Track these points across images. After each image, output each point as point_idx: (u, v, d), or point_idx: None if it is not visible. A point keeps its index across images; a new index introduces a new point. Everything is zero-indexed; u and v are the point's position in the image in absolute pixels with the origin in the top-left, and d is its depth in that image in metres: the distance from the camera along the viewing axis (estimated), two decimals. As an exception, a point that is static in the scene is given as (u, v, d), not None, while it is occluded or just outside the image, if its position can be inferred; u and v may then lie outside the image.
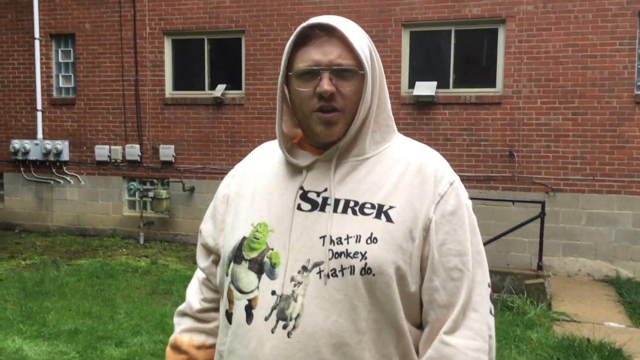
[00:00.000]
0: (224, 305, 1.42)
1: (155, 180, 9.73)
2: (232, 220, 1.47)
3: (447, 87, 8.35)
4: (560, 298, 6.74)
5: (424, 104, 8.33)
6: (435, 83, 8.28)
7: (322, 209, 1.33)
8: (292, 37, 1.34)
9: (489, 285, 1.36)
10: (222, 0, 9.14)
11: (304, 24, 1.33)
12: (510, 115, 8.04)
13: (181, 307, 1.61)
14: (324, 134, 1.33)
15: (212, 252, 1.53)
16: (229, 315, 1.38)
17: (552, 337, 5.34)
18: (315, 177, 1.37)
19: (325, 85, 1.29)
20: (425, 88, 8.23)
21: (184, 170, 9.47)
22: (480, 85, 8.29)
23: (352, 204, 1.32)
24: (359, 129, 1.36)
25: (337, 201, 1.33)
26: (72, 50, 10.01)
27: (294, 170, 1.40)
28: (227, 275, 1.40)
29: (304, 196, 1.36)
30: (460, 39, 8.37)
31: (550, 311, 6.20)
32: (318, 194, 1.35)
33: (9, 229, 10.35)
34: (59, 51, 10.09)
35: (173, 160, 9.51)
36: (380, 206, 1.31)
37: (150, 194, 9.43)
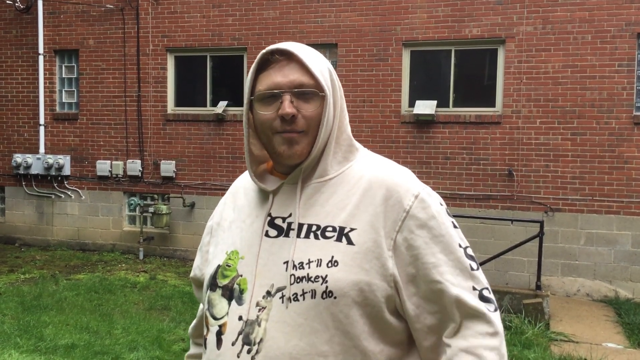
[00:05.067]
0: (203, 332, 1.46)
1: (155, 196, 9.76)
2: (213, 250, 1.53)
3: (447, 106, 8.40)
4: (558, 318, 6.72)
5: (423, 123, 8.37)
6: (435, 102, 8.33)
7: (287, 235, 1.35)
8: (254, 63, 1.37)
9: (474, 289, 1.31)
10: (225, 18, 9.23)
11: (264, 50, 1.36)
12: (509, 135, 8.08)
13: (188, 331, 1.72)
14: (287, 154, 1.35)
15: (201, 283, 1.58)
16: (204, 341, 1.43)
17: (550, 357, 5.33)
18: (282, 202, 1.39)
19: (287, 107, 1.31)
20: (425, 107, 8.28)
21: (185, 186, 9.51)
22: (479, 104, 8.34)
23: (314, 227, 1.34)
24: (319, 150, 1.37)
25: (300, 226, 1.35)
26: (75, 65, 10.10)
27: (264, 196, 1.43)
28: (205, 302, 1.45)
29: (272, 222, 1.39)
30: (460, 58, 8.44)
31: (548, 331, 6.18)
32: (284, 219, 1.37)
33: (9, 243, 10.36)
34: (63, 67, 10.18)
35: (174, 176, 9.54)
36: (342, 229, 1.32)
37: (151, 209, 9.45)
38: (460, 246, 1.34)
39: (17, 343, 5.27)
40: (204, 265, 1.57)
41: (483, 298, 1.32)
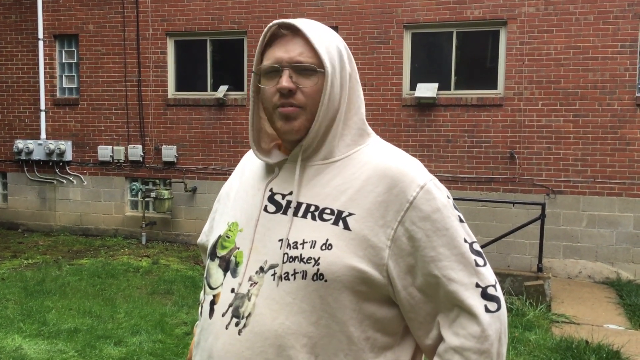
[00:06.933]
0: (201, 300, 1.48)
1: (157, 181, 9.77)
2: (218, 218, 1.55)
3: (449, 88, 8.36)
4: (560, 300, 6.74)
5: (425, 106, 8.34)
6: (436, 85, 8.29)
7: (285, 212, 1.35)
8: (261, 37, 1.37)
9: (477, 285, 1.27)
10: (225, 1, 9.17)
11: (271, 24, 1.36)
12: (511, 117, 8.05)
13: None
14: (284, 129, 1.33)
15: (206, 249, 1.59)
16: (201, 308, 1.44)
17: (551, 339, 5.34)
18: (284, 179, 1.39)
19: (284, 81, 1.30)
20: (427, 90, 8.24)
21: (186, 171, 9.50)
22: (481, 87, 8.29)
23: (312, 208, 1.32)
24: (325, 130, 1.35)
25: (299, 205, 1.33)
26: (75, 50, 10.06)
27: (268, 171, 1.43)
28: (205, 270, 1.47)
29: (271, 198, 1.38)
30: (462, 40, 8.38)
31: (550, 313, 6.20)
32: (283, 196, 1.37)
33: (12, 229, 10.40)
34: (63, 52, 10.15)
35: (175, 161, 9.54)
36: (340, 212, 1.30)
37: (153, 194, 9.46)
38: (465, 241, 1.30)
39: (20, 328, 5.30)
40: (210, 233, 1.60)
41: (486, 296, 1.28)
